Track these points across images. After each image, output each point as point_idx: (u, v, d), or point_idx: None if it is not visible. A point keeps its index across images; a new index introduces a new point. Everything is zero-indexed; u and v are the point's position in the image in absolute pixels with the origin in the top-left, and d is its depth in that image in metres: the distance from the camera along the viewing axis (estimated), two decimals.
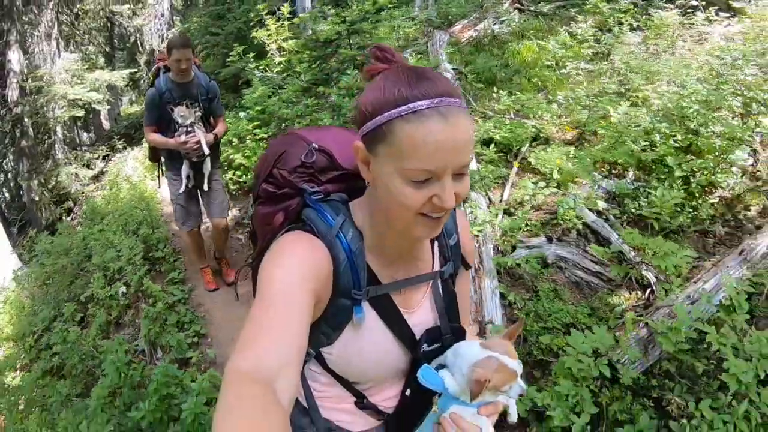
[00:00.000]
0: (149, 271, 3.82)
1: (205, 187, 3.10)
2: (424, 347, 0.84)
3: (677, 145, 3.00)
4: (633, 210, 2.70)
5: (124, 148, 8.95)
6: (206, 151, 2.86)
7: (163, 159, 3.13)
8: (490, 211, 2.82)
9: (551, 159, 2.82)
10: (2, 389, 2.83)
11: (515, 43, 4.73)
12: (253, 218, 0.94)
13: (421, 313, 0.86)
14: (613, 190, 2.84)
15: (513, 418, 0.85)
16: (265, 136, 4.98)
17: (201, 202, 3.31)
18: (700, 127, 2.90)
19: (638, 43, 4.15)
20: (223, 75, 6.68)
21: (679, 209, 2.74)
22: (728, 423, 1.79)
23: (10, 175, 11.43)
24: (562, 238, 2.60)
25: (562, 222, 2.62)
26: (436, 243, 0.89)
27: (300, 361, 0.64)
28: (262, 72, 5.49)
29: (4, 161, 10.97)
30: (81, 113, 8.71)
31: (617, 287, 2.53)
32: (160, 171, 3.26)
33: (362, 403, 0.88)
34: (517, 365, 0.76)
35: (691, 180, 2.85)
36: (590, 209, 2.69)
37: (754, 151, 3.26)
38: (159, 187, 3.75)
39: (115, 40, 12.59)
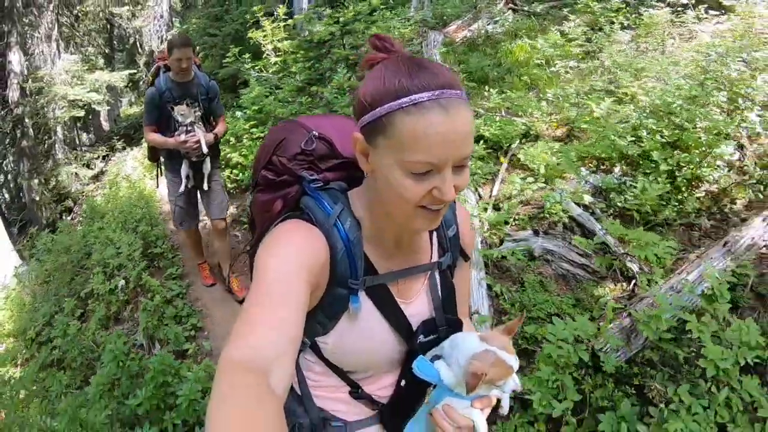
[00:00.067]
0: (148, 266, 3.89)
1: (205, 187, 3.09)
2: (421, 338, 0.83)
3: (664, 140, 3.06)
4: (618, 204, 2.76)
5: (124, 148, 9.04)
6: (205, 150, 2.86)
7: (162, 159, 3.13)
8: (479, 206, 2.89)
9: (539, 155, 2.88)
10: (3, 382, 2.89)
11: (508, 43, 4.80)
12: (252, 205, 0.94)
13: (418, 303, 0.86)
14: (600, 184, 2.90)
15: (505, 410, 0.85)
16: (262, 135, 5.06)
17: (200, 202, 3.30)
18: (686, 123, 2.96)
19: (628, 42, 4.21)
20: (220, 75, 6.75)
21: (664, 203, 2.81)
22: (708, 409, 1.84)
23: (10, 176, 11.50)
24: (548, 232, 2.66)
25: (548, 216, 2.69)
26: (434, 234, 0.89)
27: (295, 351, 0.63)
28: (258, 72, 5.57)
29: (4, 162, 11.05)
30: (81, 114, 8.80)
31: (602, 279, 2.59)
32: (159, 171, 3.26)
33: (357, 392, 0.88)
34: (513, 361, 0.75)
35: (677, 174, 2.92)
36: (577, 203, 2.76)
37: (741, 146, 3.33)
38: (157, 186, 3.76)
39: (115, 42, 12.69)
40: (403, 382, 0.88)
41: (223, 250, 3.42)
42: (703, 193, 3.06)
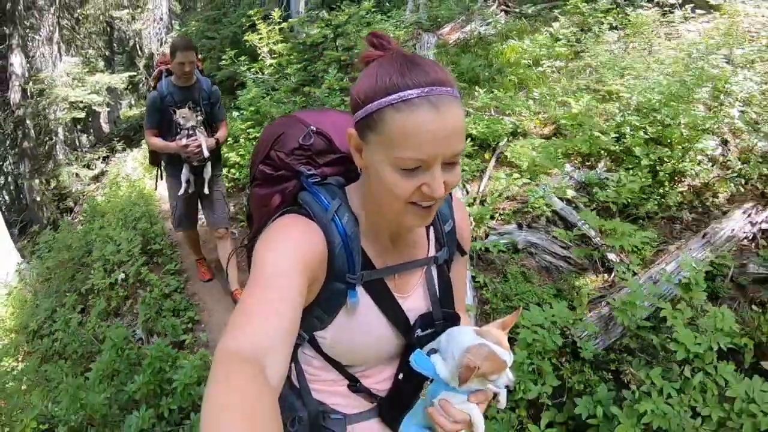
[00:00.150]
0: (147, 262, 3.98)
1: (206, 191, 3.06)
2: (418, 332, 0.84)
3: (647, 136, 3.15)
4: (601, 198, 2.86)
5: (124, 149, 9.15)
6: (207, 154, 2.84)
7: (163, 163, 3.11)
8: (465, 201, 2.98)
9: (523, 152, 2.98)
10: (4, 373, 2.98)
11: (499, 44, 4.90)
12: (249, 200, 0.94)
13: (415, 298, 0.87)
14: (583, 180, 3.00)
15: (502, 404, 0.85)
16: (258, 135, 5.16)
17: (201, 207, 3.27)
18: (667, 119, 3.06)
19: (615, 41, 4.31)
20: (218, 77, 6.86)
21: (645, 196, 2.90)
22: (683, 394, 1.91)
23: (10, 178, 11.61)
24: (532, 225, 2.76)
25: (532, 210, 2.78)
26: (431, 228, 0.89)
27: (291, 343, 0.64)
28: (255, 74, 5.68)
29: (5, 164, 11.16)
30: (82, 115, 8.92)
31: (584, 270, 2.69)
32: (159, 174, 3.24)
33: (355, 386, 0.89)
34: (507, 356, 0.76)
35: (658, 169, 3.01)
36: (560, 198, 2.85)
37: (725, 141, 3.41)
38: (155, 188, 3.72)
39: (115, 44, 12.82)
40: (400, 376, 0.89)
41: (225, 258, 3.35)
42: (686, 188, 3.15)
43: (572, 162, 3.29)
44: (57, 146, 9.31)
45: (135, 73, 11.49)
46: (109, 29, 12.04)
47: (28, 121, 8.65)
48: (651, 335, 2.20)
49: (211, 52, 8.12)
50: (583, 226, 2.60)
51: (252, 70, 5.70)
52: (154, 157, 3.17)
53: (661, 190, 2.97)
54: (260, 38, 5.74)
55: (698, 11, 4.68)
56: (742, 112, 3.23)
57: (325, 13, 5.71)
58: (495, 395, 0.83)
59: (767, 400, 1.76)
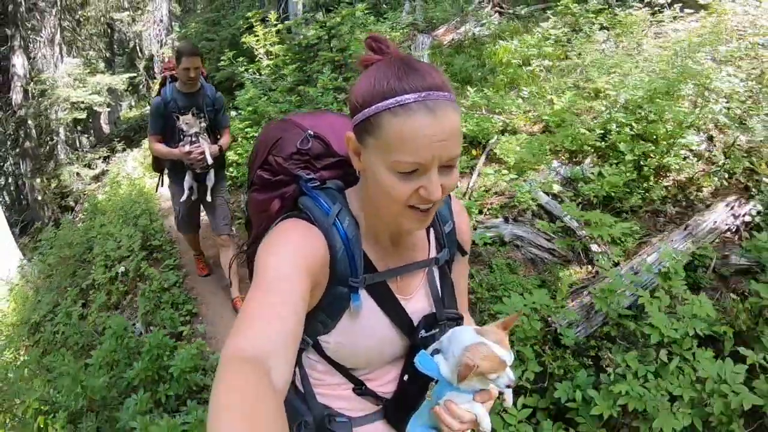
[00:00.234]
0: (147, 257, 4.08)
1: (208, 198, 3.04)
2: (422, 333, 0.84)
3: (633, 132, 3.23)
4: (585, 192, 2.95)
5: (124, 149, 9.26)
6: (210, 162, 2.83)
7: (166, 169, 3.10)
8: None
9: (510, 148, 3.07)
10: (6, 364, 3.06)
11: (492, 45, 4.99)
12: (248, 205, 0.94)
13: (418, 299, 0.87)
14: (569, 175, 3.09)
15: (508, 403, 0.86)
16: (256, 134, 5.27)
17: (205, 211, 3.25)
18: (651, 115, 3.14)
19: (604, 41, 4.41)
20: (217, 78, 6.96)
21: (629, 190, 2.99)
22: (660, 378, 1.98)
23: (11, 179, 11.71)
24: (518, 219, 2.85)
25: (518, 204, 2.87)
26: (431, 230, 0.89)
27: (295, 347, 0.64)
28: (252, 75, 5.79)
29: (5, 164, 11.26)
30: (83, 115, 9.04)
31: (568, 262, 2.77)
32: (160, 180, 3.24)
33: (360, 389, 0.89)
34: (507, 355, 0.76)
35: (642, 164, 3.09)
36: (546, 192, 2.94)
37: (711, 137, 3.50)
38: (156, 191, 3.69)
39: (115, 46, 12.95)
40: (405, 377, 0.89)
41: (227, 265, 3.32)
42: (671, 182, 3.24)
43: (559, 159, 3.38)
44: (58, 146, 9.43)
45: (135, 75, 11.61)
46: (109, 31, 12.16)
47: (29, 122, 8.78)
48: (631, 323, 2.28)
49: (210, 53, 8.23)
50: (565, 217, 2.69)
51: (250, 70, 5.81)
52: (158, 164, 3.14)
53: (645, 185, 3.06)
54: (257, 40, 5.86)
55: (687, 11, 4.77)
56: (727, 108, 3.31)
57: (322, 14, 5.82)
58: (501, 394, 0.83)
59: (738, 381, 1.84)
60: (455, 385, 0.77)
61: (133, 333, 2.92)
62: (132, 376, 2.35)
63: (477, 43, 5.52)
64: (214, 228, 3.21)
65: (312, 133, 0.85)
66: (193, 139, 2.79)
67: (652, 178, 3.11)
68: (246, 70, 5.77)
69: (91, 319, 3.62)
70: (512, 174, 3.12)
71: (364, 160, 0.72)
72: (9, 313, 4.74)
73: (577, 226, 2.69)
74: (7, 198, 13.20)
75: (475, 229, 2.85)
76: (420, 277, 0.88)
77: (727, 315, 2.49)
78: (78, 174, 9.05)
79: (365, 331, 0.82)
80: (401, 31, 6.34)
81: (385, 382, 0.90)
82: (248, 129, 5.34)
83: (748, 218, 2.98)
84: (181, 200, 3.02)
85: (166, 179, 3.16)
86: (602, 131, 3.26)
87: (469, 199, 3.08)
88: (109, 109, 11.48)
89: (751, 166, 3.20)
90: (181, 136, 2.79)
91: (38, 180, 8.99)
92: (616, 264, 2.67)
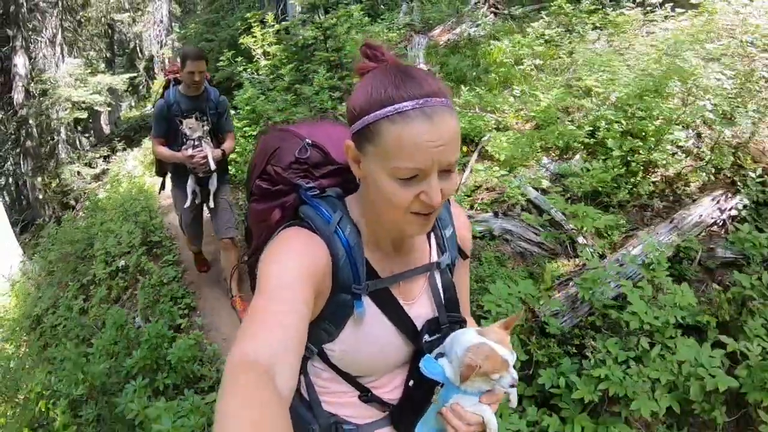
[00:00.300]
0: (146, 252, 4.15)
1: (211, 204, 3.02)
2: (426, 338, 0.85)
3: (622, 129, 3.31)
4: (574, 187, 3.02)
5: (124, 149, 9.36)
6: (213, 166, 2.81)
7: (169, 173, 3.09)
8: None
9: (498, 144, 3.15)
10: (7, 357, 3.14)
11: (486, 45, 5.07)
12: (247, 215, 0.94)
13: (420, 304, 0.88)
14: (558, 171, 3.16)
15: (513, 404, 0.86)
16: (254, 133, 5.36)
17: (209, 217, 3.23)
18: (638, 111, 3.22)
19: (595, 40, 4.49)
20: (217, 78, 7.05)
21: (616, 185, 3.06)
22: (642, 365, 2.04)
23: (11, 179, 11.78)
24: (507, 213, 2.92)
25: (507, 199, 2.94)
26: (432, 234, 0.90)
27: (299, 354, 0.64)
28: (251, 75, 5.89)
29: (6, 165, 11.34)
30: (84, 115, 9.14)
31: (556, 255, 2.84)
32: (162, 183, 3.24)
33: (367, 396, 0.89)
34: (509, 355, 0.77)
35: (630, 159, 3.16)
36: (535, 188, 3.01)
37: (699, 134, 3.57)
38: (159, 194, 3.64)
39: (115, 47, 13.05)
40: (411, 383, 0.89)
41: (228, 268, 3.33)
42: (659, 178, 3.31)
43: (550, 155, 3.46)
44: (59, 145, 9.53)
45: (135, 75, 11.71)
46: (110, 31, 12.27)
47: (31, 121, 8.88)
48: (614, 312, 2.35)
49: (210, 54, 8.32)
50: (552, 210, 2.76)
51: (248, 70, 5.91)
52: (160, 167, 3.14)
53: (633, 180, 3.13)
54: (255, 41, 5.96)
55: (678, 10, 4.85)
56: (714, 104, 3.38)
57: (320, 15, 5.92)
58: (506, 395, 0.83)
59: (714, 364, 1.91)
60: (460, 388, 0.78)
61: (132, 325, 2.99)
62: (131, 365, 2.42)
63: (472, 44, 5.60)
64: (216, 231, 3.18)
65: (310, 141, 0.86)
66: (196, 143, 2.77)
67: (640, 173, 3.18)
68: (244, 69, 5.86)
69: (91, 313, 3.70)
70: (503, 170, 3.19)
71: (364, 168, 0.73)
72: (11, 309, 4.82)
73: (563, 219, 2.77)
74: (7, 198, 13.27)
75: None
76: (422, 282, 0.88)
77: (711, 306, 2.56)
78: (79, 173, 9.16)
79: (369, 338, 0.83)
80: (398, 31, 6.43)
81: (391, 389, 0.91)
82: (246, 128, 5.41)
83: (734, 212, 3.05)
84: (186, 206, 2.98)
85: (169, 183, 3.14)
86: (591, 128, 3.34)
87: (460, 194, 3.15)
88: (109, 109, 11.58)
89: (738, 162, 3.27)
90: (184, 140, 2.78)
91: (39, 179, 9.09)
92: (603, 256, 2.74)
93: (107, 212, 5.45)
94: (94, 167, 9.39)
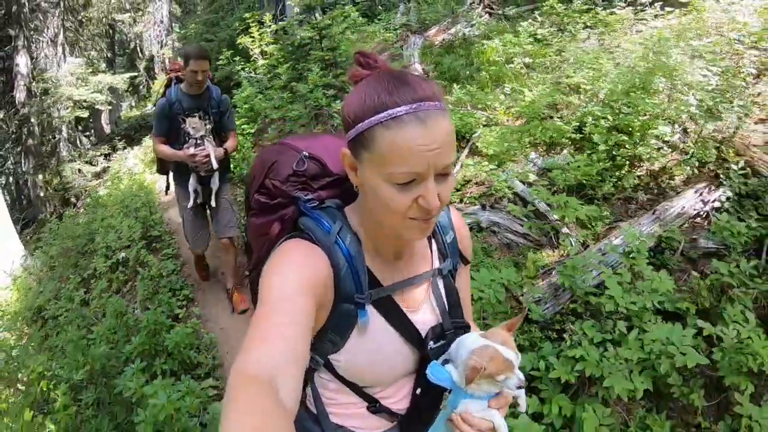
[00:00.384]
0: (146, 246, 4.25)
1: (213, 203, 3.02)
2: (431, 345, 0.85)
3: (608, 125, 3.39)
4: (559, 181, 3.11)
5: (125, 148, 9.47)
6: (215, 165, 2.80)
7: (171, 172, 3.09)
8: None
9: (485, 140, 3.24)
10: (8, 348, 3.23)
11: (480, 44, 5.17)
12: (247, 230, 0.95)
13: (424, 311, 0.88)
14: (545, 166, 3.25)
15: (522, 407, 0.85)
16: (252, 131, 5.47)
17: (210, 218, 3.25)
18: (624, 107, 3.31)
19: (585, 39, 4.58)
20: (216, 77, 7.16)
21: (601, 178, 3.15)
22: (621, 349, 2.11)
23: (11, 179, 11.90)
24: (494, 206, 3.01)
25: (495, 192, 3.03)
26: (433, 241, 0.91)
27: (301, 367, 0.64)
28: (249, 74, 6.00)
29: (6, 164, 11.45)
30: (85, 114, 9.26)
31: (542, 246, 2.93)
32: (168, 182, 3.23)
33: (375, 407, 0.89)
34: (513, 356, 0.77)
35: (615, 154, 3.25)
36: (522, 182, 3.10)
37: (686, 130, 3.66)
38: (166, 193, 3.59)
39: (116, 47, 13.18)
40: (418, 391, 0.89)
41: (228, 265, 3.38)
42: (645, 172, 3.40)
43: (538, 151, 3.55)
44: (60, 143, 9.66)
45: (136, 74, 11.83)
46: (111, 32, 12.39)
47: (32, 119, 9.01)
48: (594, 298, 2.43)
49: (210, 53, 8.44)
50: (536, 201, 2.86)
51: (246, 69, 6.02)
52: (162, 166, 3.14)
53: (618, 173, 3.22)
54: (252, 40, 6.08)
55: (668, 9, 4.94)
56: (699, 100, 3.46)
57: (319, 16, 6.04)
58: (514, 399, 0.83)
59: (685, 342, 1.99)
60: (468, 392, 0.78)
61: (132, 315, 3.09)
62: (130, 350, 2.51)
63: (466, 43, 5.70)
64: (216, 231, 3.18)
65: (307, 154, 0.86)
66: (198, 141, 2.77)
67: (626, 167, 3.27)
68: (242, 68, 5.97)
69: (92, 304, 3.79)
70: (492, 165, 3.28)
71: (361, 175, 0.74)
72: (12, 303, 4.92)
73: (547, 209, 2.86)
74: (7, 197, 13.36)
75: None
76: (425, 289, 0.89)
77: (693, 294, 2.65)
78: (80, 170, 9.29)
79: (375, 347, 0.83)
80: (394, 32, 6.53)
81: (398, 399, 0.91)
82: (245, 126, 5.52)
83: (717, 204, 3.13)
84: (188, 206, 2.97)
85: (172, 183, 3.13)
86: (578, 124, 3.43)
87: (457, 191, 3.24)
88: (110, 107, 11.69)
89: (723, 156, 3.36)
90: (186, 138, 2.77)
91: (40, 176, 9.21)
92: (586, 246, 2.83)
93: (108, 208, 5.55)
94: (95, 165, 9.52)
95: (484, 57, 5.07)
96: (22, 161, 9.56)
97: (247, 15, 6.35)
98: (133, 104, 14.98)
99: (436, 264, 0.90)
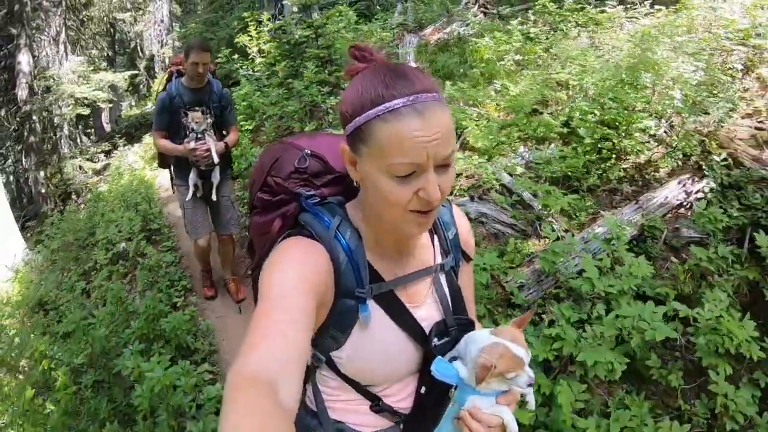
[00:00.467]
0: (146, 239, 4.35)
1: (213, 197, 3.00)
2: (435, 341, 0.84)
3: (595, 119, 3.48)
4: (547, 173, 3.20)
5: (125, 145, 9.59)
6: (216, 159, 2.79)
7: (172, 166, 3.07)
8: None
9: (476, 134, 3.34)
10: (13, 334, 3.32)
11: (473, 43, 5.28)
12: (249, 229, 0.95)
13: (427, 307, 0.87)
14: (532, 159, 3.35)
15: (531, 405, 0.84)
16: (250, 127, 5.57)
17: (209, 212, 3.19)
18: (609, 102, 3.40)
19: (575, 37, 4.68)
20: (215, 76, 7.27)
21: (587, 170, 3.24)
22: (594, 326, 2.19)
23: (12, 177, 12.00)
24: (482, 197, 3.10)
25: (483, 184, 3.13)
26: (435, 237, 0.90)
27: (301, 364, 0.64)
28: (247, 72, 6.12)
29: (7, 162, 11.55)
30: (87, 111, 9.38)
31: (528, 236, 3.03)
32: (172, 178, 3.17)
33: (378, 406, 0.88)
34: (523, 353, 0.76)
35: (600, 146, 3.34)
36: (510, 174, 3.20)
37: (672, 125, 3.75)
38: (173, 190, 3.42)
39: (116, 46, 13.30)
40: (423, 389, 0.88)
41: (226, 257, 3.36)
42: (630, 164, 3.48)
43: (527, 145, 3.64)
44: (62, 140, 9.78)
45: (137, 73, 11.95)
46: (111, 31, 12.52)
47: (34, 117, 9.13)
48: (574, 281, 2.50)
49: (211, 46, 8.57)
50: (521, 192, 2.95)
51: (244, 67, 6.14)
52: (163, 160, 3.13)
53: (603, 166, 3.31)
54: (250, 39, 6.20)
55: (657, 6, 5.04)
56: (685, 94, 3.55)
57: (311, 15, 6.17)
58: (523, 396, 0.83)
59: (656, 319, 2.07)
60: (476, 389, 0.77)
61: (132, 302, 3.18)
62: (129, 334, 2.61)
63: (461, 42, 5.80)
64: (217, 228, 3.17)
65: (309, 151, 0.87)
66: (199, 135, 2.75)
67: (612, 160, 3.36)
68: (241, 66, 6.09)
69: (93, 295, 3.89)
70: (481, 159, 3.38)
71: (361, 170, 0.73)
72: (14, 295, 5.01)
73: (532, 199, 2.95)
74: (8, 195, 13.45)
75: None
76: (427, 285, 0.88)
77: (675, 281, 2.73)
78: (81, 167, 9.41)
79: (377, 343, 0.82)
80: (391, 31, 6.64)
81: (402, 398, 0.89)
82: (243, 123, 5.64)
83: (700, 195, 3.21)
84: (186, 199, 2.96)
85: (173, 175, 3.10)
86: (566, 119, 3.52)
87: None
88: (110, 105, 11.81)
89: (708, 149, 3.45)
90: (187, 133, 2.75)
91: (42, 173, 9.33)
92: (572, 234, 2.92)
93: (108, 203, 5.66)
94: (95, 162, 9.64)
95: (477, 55, 5.17)
96: (24, 158, 9.68)
97: (245, 14, 6.47)
98: (133, 103, 15.10)
99: (439, 260, 0.89)
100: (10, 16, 9.06)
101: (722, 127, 3.48)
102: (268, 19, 6.25)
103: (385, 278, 0.82)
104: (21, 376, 2.88)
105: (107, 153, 9.83)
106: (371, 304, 0.80)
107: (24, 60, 9.02)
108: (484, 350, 0.75)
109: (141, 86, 12.76)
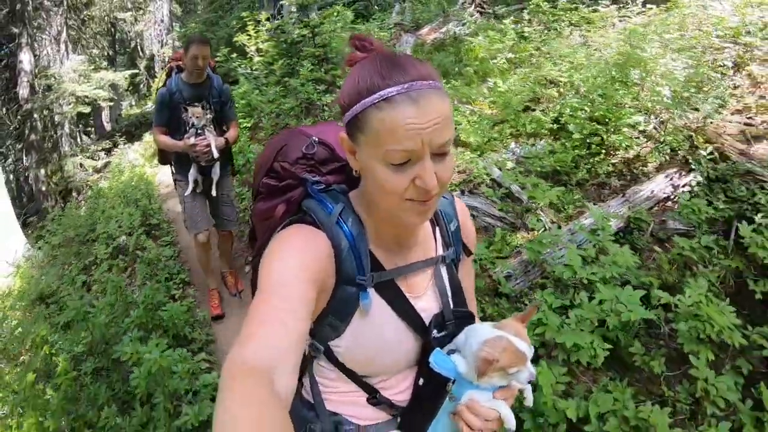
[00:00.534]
0: (145, 234, 4.43)
1: (213, 193, 2.99)
2: (434, 333, 0.83)
3: (585, 115, 3.56)
4: (537, 168, 3.27)
5: (125, 144, 9.67)
6: (216, 155, 2.78)
7: (172, 162, 3.06)
8: None
9: (466, 129, 3.41)
10: (12, 329, 3.40)
11: (469, 42, 5.36)
12: (252, 215, 0.94)
13: (427, 298, 0.87)
14: (522, 155, 3.42)
15: (529, 401, 0.83)
16: (248, 125, 5.66)
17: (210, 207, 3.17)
18: (598, 98, 3.48)
19: (568, 36, 4.75)
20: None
21: (575, 165, 3.31)
22: (576, 312, 2.24)
23: (12, 176, 12.08)
24: (473, 191, 3.17)
25: (473, 179, 3.20)
26: (437, 228, 0.90)
27: (298, 353, 0.64)
28: (245, 71, 6.22)
29: (8, 160, 11.63)
30: (87, 109, 9.47)
31: (516, 229, 3.10)
32: (172, 170, 3.14)
33: (375, 398, 0.87)
34: (526, 348, 0.75)
35: (589, 142, 3.42)
36: (500, 168, 3.27)
37: (662, 122, 3.82)
38: (175, 187, 3.35)
39: (117, 45, 13.39)
40: (420, 381, 0.87)
41: (224, 252, 3.37)
42: (619, 159, 3.56)
43: (519, 142, 3.71)
44: (62, 138, 9.87)
45: (137, 72, 12.04)
46: (112, 30, 12.61)
47: (35, 115, 9.23)
48: (562, 270, 2.56)
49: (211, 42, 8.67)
50: (510, 185, 3.02)
51: (243, 66, 6.23)
52: (163, 156, 3.13)
53: (592, 161, 3.38)
54: (249, 38, 6.30)
55: (649, 5, 5.11)
56: (673, 91, 3.61)
57: (308, 15, 6.27)
58: (521, 392, 0.82)
59: (633, 301, 2.13)
60: (475, 383, 0.76)
61: (131, 293, 3.26)
62: (128, 323, 2.68)
63: (457, 42, 5.88)
64: (216, 224, 3.17)
65: (317, 139, 0.87)
66: (199, 131, 2.74)
67: (601, 155, 3.43)
68: (240, 65, 6.19)
69: (93, 289, 3.96)
70: (473, 155, 3.45)
71: (359, 158, 0.73)
72: (16, 289, 5.09)
73: (520, 192, 3.02)
74: (9, 193, 13.53)
75: None
76: (428, 276, 0.88)
77: (660, 272, 2.80)
78: (81, 165, 9.50)
79: (376, 332, 0.81)
80: (388, 31, 6.72)
81: (400, 390, 0.89)
82: (242, 120, 5.72)
83: (687, 188, 3.28)
84: (186, 193, 2.95)
85: (173, 171, 3.09)
86: (556, 115, 3.59)
87: None
88: (111, 104, 11.90)
89: (695, 143, 3.52)
90: (187, 128, 2.75)
91: (42, 171, 9.42)
92: (558, 227, 2.99)
93: (109, 200, 5.74)
94: (96, 160, 9.73)
95: (471, 54, 5.24)
96: (25, 156, 9.77)
97: (244, 14, 6.56)
98: (134, 102, 15.19)
99: (440, 251, 0.89)
100: (12, 15, 9.16)
101: (710, 122, 3.56)
102: (267, 19, 6.35)
103: (386, 267, 0.82)
104: (23, 363, 2.95)
105: (108, 151, 9.93)
106: (372, 292, 0.80)
107: (25, 59, 9.12)
108: (487, 343, 0.74)
109: (141, 85, 12.86)
